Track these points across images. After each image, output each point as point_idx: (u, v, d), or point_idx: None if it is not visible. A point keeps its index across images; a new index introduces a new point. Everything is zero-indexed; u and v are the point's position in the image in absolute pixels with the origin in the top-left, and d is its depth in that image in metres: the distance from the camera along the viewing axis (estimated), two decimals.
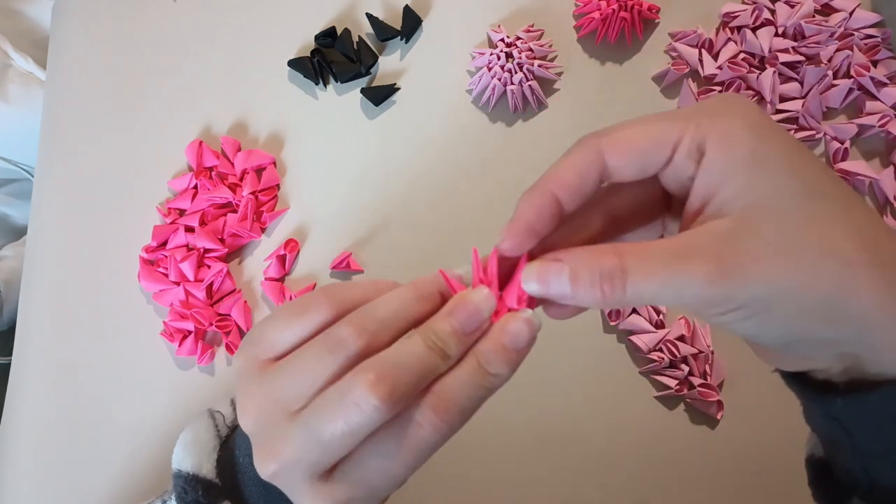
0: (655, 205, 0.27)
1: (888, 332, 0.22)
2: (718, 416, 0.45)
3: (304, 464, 0.24)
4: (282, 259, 0.50)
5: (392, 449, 0.24)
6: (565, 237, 0.26)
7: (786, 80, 0.48)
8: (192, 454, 0.33)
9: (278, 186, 0.52)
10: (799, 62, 0.48)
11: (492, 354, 0.25)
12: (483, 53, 0.51)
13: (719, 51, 0.50)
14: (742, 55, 0.49)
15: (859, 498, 0.26)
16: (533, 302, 0.25)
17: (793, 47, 0.48)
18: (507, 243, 0.25)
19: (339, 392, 0.24)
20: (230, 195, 0.50)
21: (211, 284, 0.49)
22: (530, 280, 0.24)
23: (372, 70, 0.53)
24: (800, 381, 0.26)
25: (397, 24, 0.53)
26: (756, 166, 0.22)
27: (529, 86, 0.49)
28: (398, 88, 0.53)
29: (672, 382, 0.45)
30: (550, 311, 0.26)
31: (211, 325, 0.48)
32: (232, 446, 0.33)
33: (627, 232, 0.27)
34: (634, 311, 0.46)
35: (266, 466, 0.25)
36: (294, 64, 0.53)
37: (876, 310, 0.21)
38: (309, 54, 0.53)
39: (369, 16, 0.53)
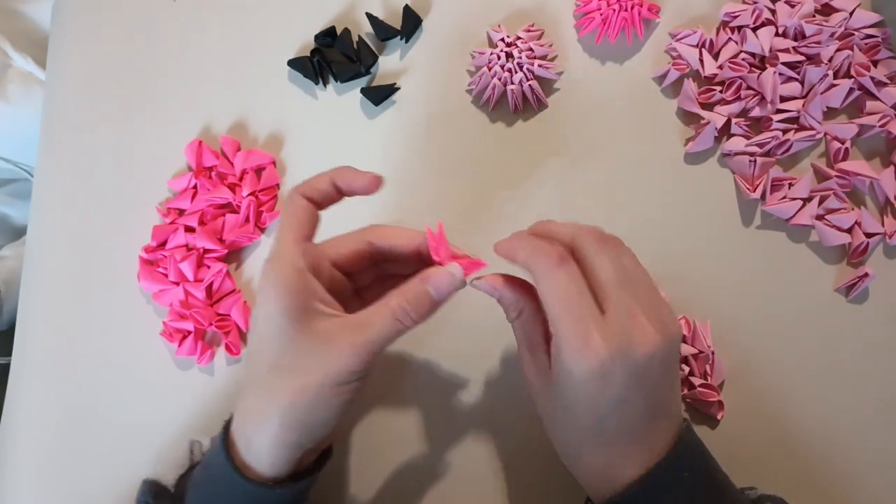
0: None
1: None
2: (719, 416, 0.45)
3: None
4: None
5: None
6: None
7: (786, 79, 0.48)
8: (161, 468, 0.41)
9: (278, 186, 0.52)
10: (799, 62, 0.48)
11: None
12: (483, 53, 0.51)
13: (720, 50, 0.50)
14: (742, 55, 0.49)
15: None
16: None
17: (793, 47, 0.48)
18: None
19: None
20: (230, 195, 0.50)
21: (211, 284, 0.49)
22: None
23: (372, 70, 0.53)
24: None
25: (397, 23, 0.53)
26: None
27: (529, 85, 0.49)
28: (398, 88, 0.53)
29: None
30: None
31: (210, 325, 0.48)
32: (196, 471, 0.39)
33: None
34: None
35: None
36: (294, 64, 0.53)
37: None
38: (309, 54, 0.53)
39: (369, 15, 0.53)
